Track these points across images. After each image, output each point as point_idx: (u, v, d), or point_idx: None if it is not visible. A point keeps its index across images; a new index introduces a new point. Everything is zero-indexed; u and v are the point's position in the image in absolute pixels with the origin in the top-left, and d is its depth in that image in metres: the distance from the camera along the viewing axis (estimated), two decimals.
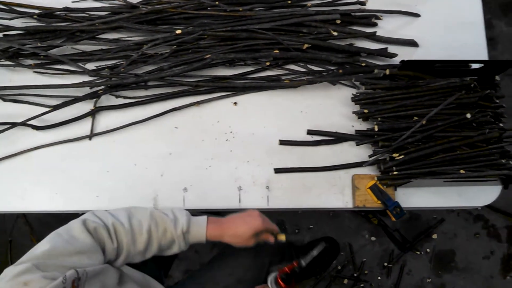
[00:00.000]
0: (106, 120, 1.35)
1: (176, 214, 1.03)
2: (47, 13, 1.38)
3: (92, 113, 1.33)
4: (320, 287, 2.03)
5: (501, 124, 1.30)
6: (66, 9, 1.38)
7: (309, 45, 1.36)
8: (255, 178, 1.31)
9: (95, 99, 1.34)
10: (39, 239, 1.91)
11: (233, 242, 1.07)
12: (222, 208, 1.30)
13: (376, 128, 1.29)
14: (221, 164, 1.32)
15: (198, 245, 1.73)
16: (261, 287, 1.12)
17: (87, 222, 0.93)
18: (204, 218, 1.05)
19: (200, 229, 1.03)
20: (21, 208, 1.29)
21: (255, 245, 1.16)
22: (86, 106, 1.34)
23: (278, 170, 1.31)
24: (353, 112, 1.35)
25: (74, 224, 0.93)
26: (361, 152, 1.34)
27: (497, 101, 1.32)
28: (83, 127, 1.33)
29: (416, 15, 1.47)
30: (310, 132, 1.35)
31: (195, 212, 1.08)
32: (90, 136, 1.32)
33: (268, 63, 1.37)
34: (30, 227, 2.06)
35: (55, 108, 1.32)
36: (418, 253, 2.08)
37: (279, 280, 1.07)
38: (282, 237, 1.14)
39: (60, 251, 0.84)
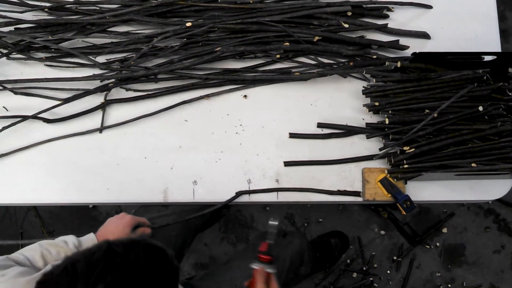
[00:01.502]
0: (116, 113, 1.35)
1: (63, 238, 1.08)
2: (58, 6, 1.39)
3: (103, 106, 1.34)
4: (329, 281, 2.03)
5: None
6: (77, 2, 1.38)
7: (320, 38, 1.35)
8: (264, 171, 1.31)
9: (105, 92, 1.34)
10: (49, 231, 1.93)
11: None
12: (232, 202, 1.31)
13: (386, 121, 1.28)
14: (230, 157, 1.32)
15: (208, 238, 1.75)
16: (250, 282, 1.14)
17: None
18: (90, 234, 1.12)
19: (91, 240, 1.09)
20: (32, 200, 1.30)
21: (276, 249, 1.18)
22: (96, 99, 1.34)
23: (287, 163, 1.31)
24: (364, 105, 1.34)
25: None
26: (372, 145, 1.33)
27: (510, 93, 1.30)
28: (94, 120, 1.34)
29: (428, 7, 1.45)
30: (320, 125, 1.34)
31: None
32: (101, 129, 1.33)
33: (278, 56, 1.37)
34: (41, 220, 2.07)
35: (66, 101, 1.32)
36: (428, 247, 2.07)
37: (263, 257, 1.10)
38: (148, 230, 1.21)
39: None
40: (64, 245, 1.06)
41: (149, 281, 0.68)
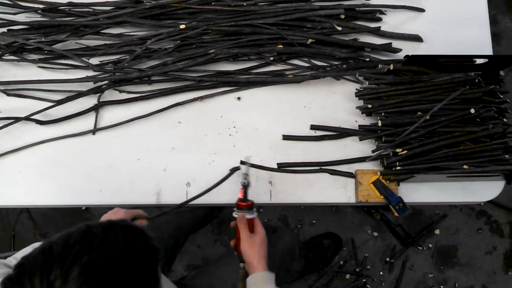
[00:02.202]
0: (109, 115, 1.35)
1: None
2: (51, 8, 1.38)
3: (96, 108, 1.33)
4: (322, 282, 2.03)
5: (505, 120, 1.30)
6: (70, 4, 1.38)
7: (313, 40, 1.35)
8: (258, 173, 1.31)
9: (98, 94, 1.34)
10: (42, 233, 1.92)
11: None
12: (225, 203, 1.31)
13: (379, 123, 1.29)
14: (224, 159, 1.32)
15: (201, 240, 1.75)
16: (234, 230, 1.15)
17: None
18: None
19: None
20: (25, 202, 1.30)
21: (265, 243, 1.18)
22: (90, 101, 1.34)
23: (281, 165, 1.31)
24: (357, 107, 1.35)
25: None
26: (364, 147, 1.34)
27: (501, 96, 1.32)
28: (87, 121, 1.34)
29: (421, 10, 1.46)
30: (313, 127, 1.35)
31: None
32: (94, 130, 1.33)
33: (272, 58, 1.37)
34: (34, 222, 2.06)
35: (59, 102, 1.32)
36: (421, 248, 2.08)
37: (241, 204, 1.14)
38: (145, 222, 1.19)
39: None
40: None
41: (127, 261, 0.68)
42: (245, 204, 1.13)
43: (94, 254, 0.65)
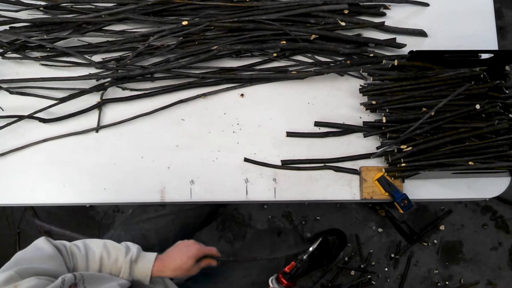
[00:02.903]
0: (112, 112, 1.34)
1: (128, 245, 1.06)
2: (53, 5, 1.38)
3: (99, 106, 1.33)
4: (327, 278, 2.03)
5: (510, 115, 1.29)
6: (72, 0, 1.37)
7: (317, 36, 1.34)
8: (262, 170, 1.30)
9: (101, 92, 1.34)
10: (46, 231, 1.92)
11: (177, 275, 1.08)
12: (229, 201, 1.30)
13: (384, 120, 1.28)
14: (228, 156, 1.31)
15: (205, 237, 1.74)
16: None
17: (48, 238, 0.98)
18: (153, 254, 1.07)
19: (148, 262, 1.05)
20: (29, 201, 1.29)
21: (271, 247, 1.16)
22: (92, 99, 1.34)
23: (285, 162, 1.31)
24: (361, 104, 1.34)
25: (38, 240, 0.98)
26: (369, 144, 1.33)
27: (507, 91, 1.30)
28: (90, 119, 1.33)
29: (425, 5, 1.45)
30: (317, 124, 1.34)
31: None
32: (97, 128, 1.32)
33: (275, 54, 1.36)
34: (39, 219, 2.07)
35: (62, 100, 1.32)
36: (426, 244, 2.08)
37: (281, 279, 1.05)
38: (214, 262, 1.16)
39: (31, 257, 0.91)
40: (123, 253, 1.03)
41: None
42: (287, 283, 1.06)
43: None
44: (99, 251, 1.02)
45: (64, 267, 0.95)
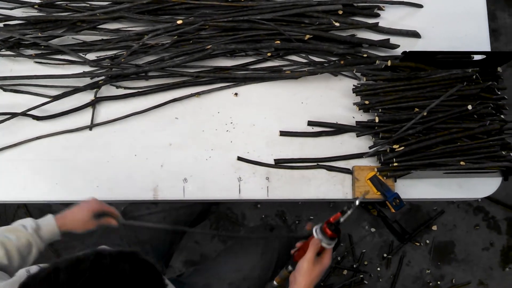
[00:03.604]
0: (106, 110, 1.34)
1: (20, 222, 1.07)
2: (48, 3, 1.37)
3: (93, 104, 1.33)
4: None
5: (502, 116, 1.30)
6: None
7: (311, 36, 1.35)
8: (255, 169, 1.31)
9: (95, 90, 1.34)
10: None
11: (76, 228, 1.12)
12: (222, 199, 1.31)
13: (376, 120, 1.29)
14: (221, 155, 1.32)
15: (198, 236, 1.75)
16: (302, 244, 1.08)
17: None
18: (49, 215, 1.11)
19: (50, 223, 1.08)
20: (22, 198, 1.29)
21: (264, 243, 1.16)
22: (86, 97, 1.34)
23: (278, 161, 1.31)
24: (354, 103, 1.34)
25: None
26: (362, 144, 1.34)
27: (499, 92, 1.31)
28: (84, 117, 1.33)
29: (419, 6, 1.46)
30: (310, 123, 1.35)
31: None
32: (91, 126, 1.32)
33: (269, 54, 1.37)
34: (31, 217, 2.06)
35: (56, 98, 1.32)
36: (418, 244, 2.09)
37: (326, 229, 1.02)
38: (114, 222, 1.17)
39: None
40: (23, 229, 1.04)
41: None
42: (331, 233, 1.02)
43: (101, 286, 0.64)
44: None
45: None
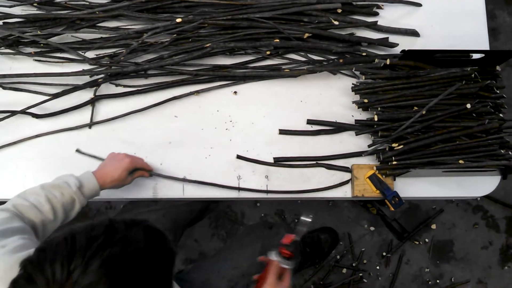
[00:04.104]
0: (106, 108, 1.35)
1: (63, 178, 1.09)
2: (47, 1, 1.38)
3: (92, 102, 1.33)
4: (319, 277, 2.04)
5: (501, 115, 1.30)
6: None
7: (310, 34, 1.35)
8: (254, 168, 1.31)
9: (95, 88, 1.34)
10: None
11: (114, 187, 1.16)
12: (221, 197, 1.31)
13: (375, 118, 1.29)
14: (220, 153, 1.32)
15: (198, 234, 1.74)
16: (260, 276, 1.12)
17: None
18: (88, 171, 1.14)
19: (91, 181, 1.11)
20: None
21: (262, 240, 1.16)
22: (86, 95, 1.34)
23: (277, 160, 1.32)
24: (353, 102, 1.35)
25: None
26: (361, 142, 1.34)
27: (498, 91, 1.32)
28: (83, 115, 1.33)
29: (418, 5, 1.46)
30: (309, 122, 1.35)
31: None
32: (90, 124, 1.32)
33: (268, 52, 1.37)
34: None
35: (55, 96, 1.32)
36: (417, 243, 2.09)
37: (283, 251, 1.07)
38: (146, 174, 1.24)
39: None
40: (66, 186, 1.06)
41: (145, 261, 0.69)
42: (287, 253, 1.07)
43: (114, 249, 0.66)
44: (43, 195, 1.04)
45: (24, 223, 0.98)
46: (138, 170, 1.22)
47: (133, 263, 0.68)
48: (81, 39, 1.37)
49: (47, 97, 1.31)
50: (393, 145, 1.27)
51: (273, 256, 1.08)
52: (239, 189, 1.28)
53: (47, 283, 0.63)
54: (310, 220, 1.08)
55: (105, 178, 1.13)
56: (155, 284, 0.70)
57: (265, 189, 1.30)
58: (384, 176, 1.28)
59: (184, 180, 1.27)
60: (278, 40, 1.35)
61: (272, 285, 1.06)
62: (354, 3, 1.41)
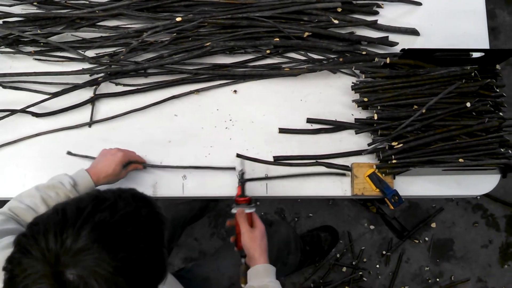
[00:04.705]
0: (105, 107, 1.35)
1: (58, 178, 1.10)
2: (47, 0, 1.38)
3: (92, 101, 1.33)
4: (319, 275, 2.04)
5: (500, 113, 1.30)
6: None
7: (310, 33, 1.35)
8: (254, 166, 1.31)
9: (94, 87, 1.34)
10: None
11: (109, 181, 1.16)
12: (221, 196, 1.31)
13: (375, 117, 1.29)
14: (220, 152, 1.32)
15: (198, 233, 1.74)
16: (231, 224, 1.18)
17: None
18: (81, 169, 1.14)
19: (85, 178, 1.11)
20: None
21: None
22: (86, 94, 1.34)
23: (277, 158, 1.32)
24: (353, 101, 1.35)
25: None
26: (360, 141, 1.34)
27: (497, 90, 1.32)
28: (83, 114, 1.33)
29: (418, 4, 1.46)
30: (309, 121, 1.35)
31: None
32: (90, 123, 1.33)
33: (268, 51, 1.37)
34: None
35: (55, 95, 1.32)
36: (417, 241, 2.09)
37: (240, 200, 1.16)
38: (140, 167, 1.26)
39: None
40: (61, 186, 1.07)
41: (135, 224, 0.71)
42: (243, 199, 1.15)
43: (104, 214, 0.68)
44: (38, 197, 1.04)
45: (19, 225, 0.99)
46: (132, 163, 1.23)
47: (123, 226, 0.69)
48: (81, 38, 1.37)
49: (47, 96, 1.31)
50: (393, 143, 1.27)
51: (234, 209, 1.15)
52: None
53: (43, 254, 0.65)
54: (241, 168, 1.19)
55: (99, 174, 1.13)
56: (146, 246, 0.71)
57: (265, 188, 1.30)
58: (383, 175, 1.28)
59: (178, 167, 1.29)
60: (278, 39, 1.35)
61: (248, 231, 1.11)
62: (354, 2, 1.41)
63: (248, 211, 1.15)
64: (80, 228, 0.66)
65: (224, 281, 1.27)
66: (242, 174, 1.18)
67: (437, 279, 2.08)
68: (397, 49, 1.38)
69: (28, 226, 0.70)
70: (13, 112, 1.30)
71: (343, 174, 1.30)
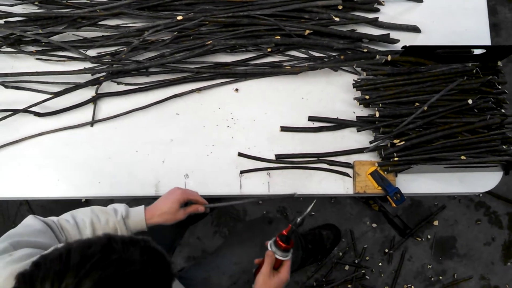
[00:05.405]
0: (107, 106, 1.35)
1: (114, 206, 1.09)
2: (48, 0, 1.38)
3: (94, 100, 1.34)
4: (321, 273, 2.04)
5: (502, 110, 1.30)
6: None
7: (311, 31, 1.35)
8: (256, 165, 1.31)
9: (96, 86, 1.34)
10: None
11: (165, 221, 1.12)
12: (223, 195, 1.31)
13: (377, 114, 1.29)
14: (222, 151, 1.32)
15: (200, 232, 1.74)
16: (261, 261, 1.11)
17: (37, 216, 1.02)
18: (142, 206, 1.11)
19: (138, 213, 1.09)
20: (24, 194, 1.30)
21: (262, 236, 1.16)
22: (87, 93, 1.34)
23: (279, 156, 1.32)
24: (355, 98, 1.35)
25: (26, 218, 1.02)
26: (362, 138, 1.34)
27: (499, 87, 1.31)
28: (85, 113, 1.34)
29: (419, 1, 1.46)
30: (311, 119, 1.35)
31: None
32: (92, 122, 1.33)
33: (269, 49, 1.37)
34: (33, 214, 2.07)
35: (57, 94, 1.32)
36: (419, 239, 2.09)
37: (279, 242, 1.05)
38: (202, 208, 1.18)
39: (20, 232, 0.94)
40: (112, 214, 1.06)
41: (140, 284, 0.67)
42: (284, 245, 1.05)
43: (109, 270, 0.64)
44: (89, 218, 1.04)
45: (55, 240, 0.97)
46: (193, 204, 1.17)
47: (127, 286, 0.66)
48: (82, 38, 1.37)
49: (49, 96, 1.32)
50: (395, 141, 1.27)
51: (269, 246, 1.07)
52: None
53: None
54: (307, 212, 1.06)
55: (154, 211, 1.10)
56: None
57: (267, 186, 1.30)
58: (386, 173, 1.28)
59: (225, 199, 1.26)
60: (279, 37, 1.35)
61: (265, 275, 1.04)
62: None
63: (280, 257, 1.06)
64: (81, 280, 0.63)
65: (225, 280, 1.27)
66: (298, 223, 1.06)
67: (440, 277, 2.08)
68: (398, 46, 1.38)
69: (31, 265, 0.67)
70: (15, 112, 1.30)
71: (345, 174, 1.30)
